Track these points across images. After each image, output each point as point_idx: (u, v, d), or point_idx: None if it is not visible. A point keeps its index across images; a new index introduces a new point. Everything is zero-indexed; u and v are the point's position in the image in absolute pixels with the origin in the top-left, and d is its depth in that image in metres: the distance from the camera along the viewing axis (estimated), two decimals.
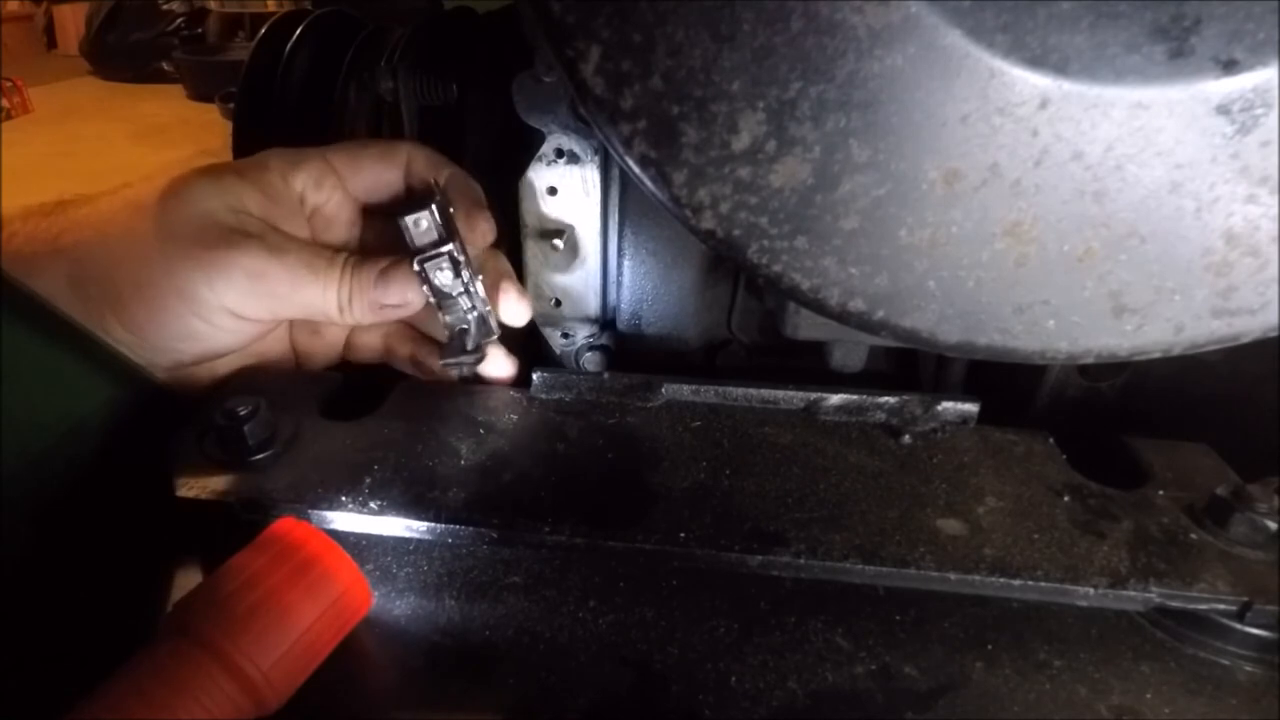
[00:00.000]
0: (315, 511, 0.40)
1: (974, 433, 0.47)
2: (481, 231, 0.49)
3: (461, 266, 0.45)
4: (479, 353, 0.49)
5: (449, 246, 0.44)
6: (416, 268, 0.44)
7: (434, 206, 0.44)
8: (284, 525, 0.36)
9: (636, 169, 0.34)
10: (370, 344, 0.54)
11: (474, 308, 0.48)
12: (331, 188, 0.49)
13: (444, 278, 0.45)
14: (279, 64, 0.72)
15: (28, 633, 0.36)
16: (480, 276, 0.47)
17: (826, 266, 0.35)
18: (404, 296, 0.46)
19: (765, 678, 0.36)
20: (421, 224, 0.44)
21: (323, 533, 0.36)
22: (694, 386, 0.49)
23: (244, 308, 0.45)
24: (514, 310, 0.50)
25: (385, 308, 0.46)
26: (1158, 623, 0.39)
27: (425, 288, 0.46)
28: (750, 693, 0.35)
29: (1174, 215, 0.32)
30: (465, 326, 0.49)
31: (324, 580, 0.35)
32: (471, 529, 0.39)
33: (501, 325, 0.50)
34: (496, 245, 0.52)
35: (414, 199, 0.48)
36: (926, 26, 0.30)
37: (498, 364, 0.51)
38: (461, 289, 0.46)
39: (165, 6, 4.58)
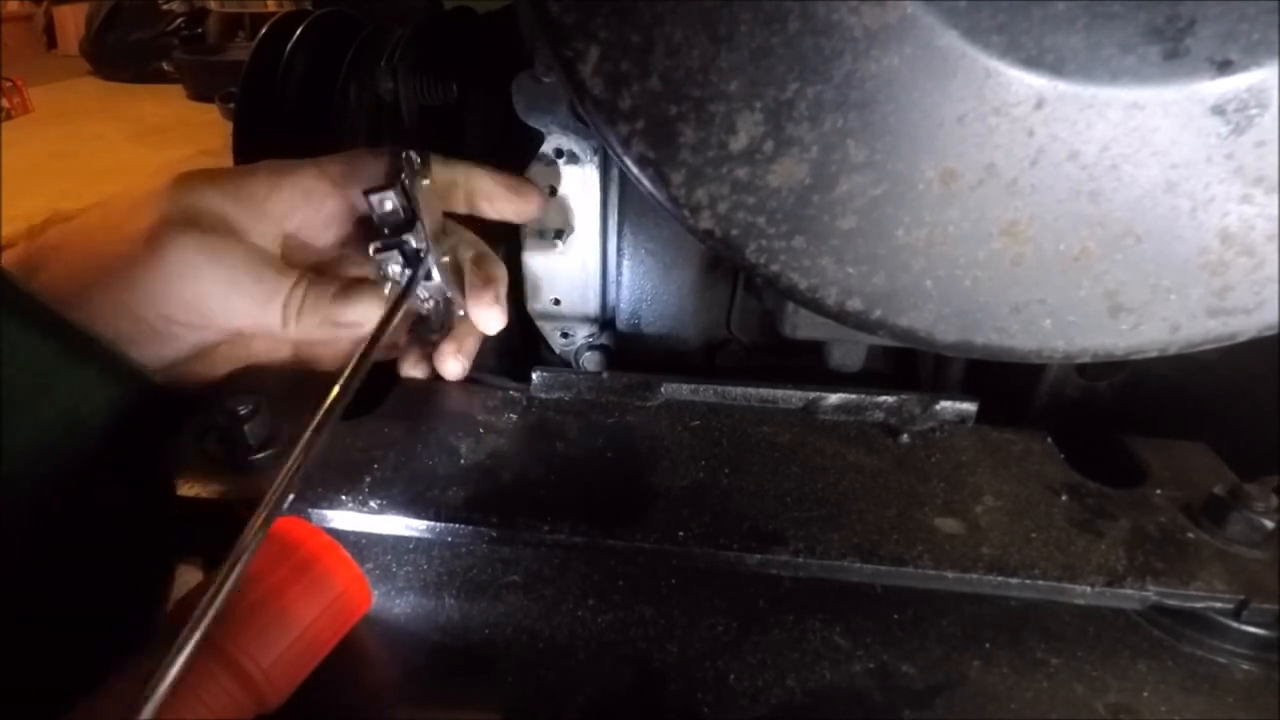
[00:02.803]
0: (315, 510, 0.40)
1: (972, 432, 0.47)
2: (517, 209, 0.50)
3: (419, 255, 0.43)
4: (444, 332, 0.50)
5: (406, 237, 0.43)
6: (371, 252, 0.43)
7: (401, 184, 0.43)
8: (284, 524, 0.37)
9: (635, 169, 0.34)
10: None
11: (431, 297, 0.47)
12: (323, 195, 0.47)
13: (395, 269, 0.44)
14: (279, 64, 0.72)
15: (29, 632, 0.37)
16: (446, 258, 0.47)
17: (824, 266, 0.35)
18: (362, 316, 0.45)
19: (764, 676, 0.36)
20: (386, 204, 0.43)
21: (322, 531, 0.37)
22: (693, 386, 0.49)
23: (175, 312, 0.43)
24: (485, 316, 0.48)
25: (339, 325, 0.45)
26: (1155, 621, 0.40)
27: (381, 273, 0.45)
28: (749, 691, 0.36)
29: (1169, 215, 0.32)
30: (426, 312, 0.49)
31: (324, 579, 0.35)
32: (471, 528, 0.40)
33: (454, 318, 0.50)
34: (495, 244, 0.52)
35: (390, 176, 0.46)
36: (923, 27, 0.30)
37: (444, 359, 0.50)
38: (413, 277, 0.45)
39: (165, 6, 4.57)
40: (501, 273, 0.50)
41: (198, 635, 0.29)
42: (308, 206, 0.47)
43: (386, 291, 0.46)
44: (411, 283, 0.44)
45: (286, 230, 0.47)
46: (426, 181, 0.46)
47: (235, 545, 0.31)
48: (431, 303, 0.49)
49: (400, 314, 0.43)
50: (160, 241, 0.42)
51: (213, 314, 0.44)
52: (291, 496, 0.34)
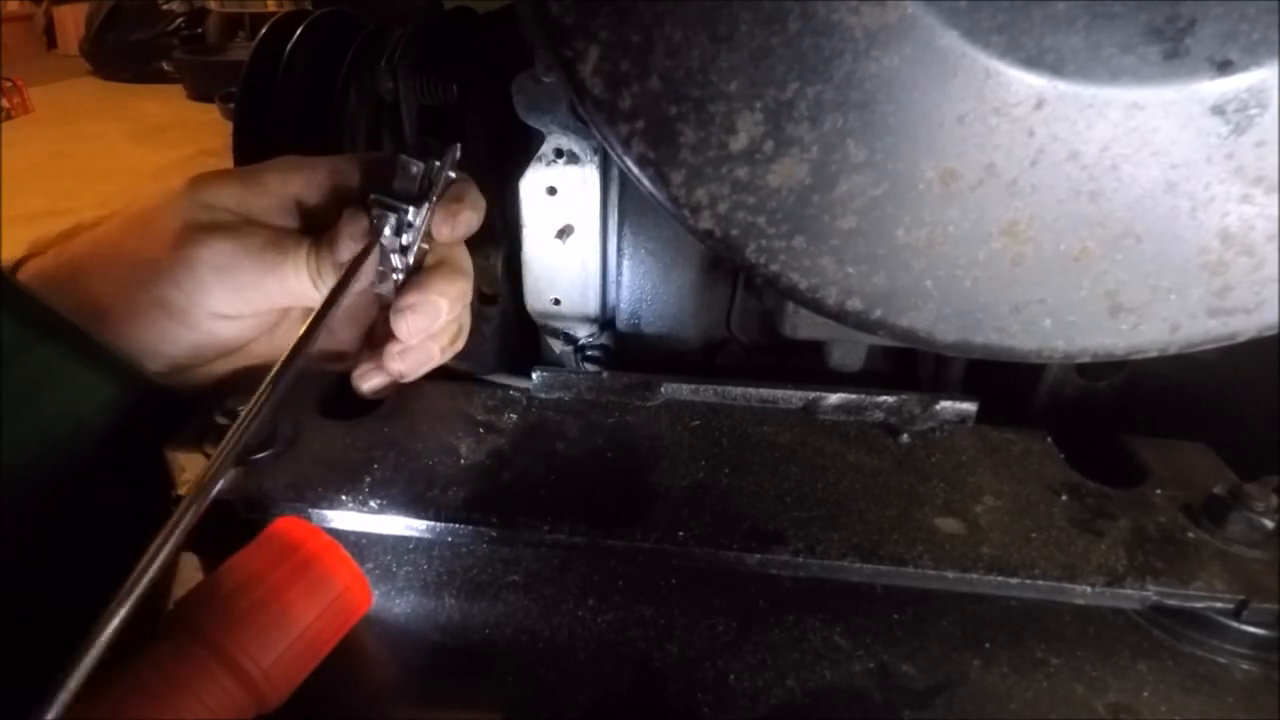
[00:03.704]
0: (315, 510, 0.40)
1: (972, 432, 0.47)
2: (464, 219, 0.47)
3: (405, 229, 0.44)
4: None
5: (407, 207, 0.43)
6: (370, 198, 0.43)
7: (429, 163, 0.44)
8: (284, 524, 0.37)
9: (635, 169, 0.34)
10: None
11: (399, 270, 0.46)
12: (335, 190, 0.47)
13: (385, 229, 0.44)
14: (279, 64, 0.72)
15: (29, 632, 0.37)
16: (427, 247, 0.46)
17: (824, 266, 0.35)
18: (353, 249, 0.44)
19: (764, 676, 0.36)
20: (411, 169, 0.44)
21: (322, 531, 0.37)
22: (693, 386, 0.49)
23: (219, 304, 0.44)
24: (403, 322, 0.46)
25: (343, 265, 0.44)
26: (1155, 621, 0.40)
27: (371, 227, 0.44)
28: (749, 691, 0.36)
29: (1169, 215, 0.32)
30: (388, 292, 0.47)
31: (324, 579, 0.35)
32: (471, 528, 0.40)
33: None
34: (495, 244, 0.52)
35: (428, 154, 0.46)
36: (923, 27, 0.30)
37: (389, 358, 0.47)
38: (397, 248, 0.44)
39: (165, 6, 4.58)
40: (445, 286, 0.47)
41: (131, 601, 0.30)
42: (320, 199, 0.48)
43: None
44: (393, 249, 0.44)
45: (301, 208, 0.48)
46: (454, 175, 0.46)
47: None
48: (399, 281, 0.47)
49: (359, 273, 0.43)
50: (189, 245, 0.43)
51: (256, 300, 0.45)
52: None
